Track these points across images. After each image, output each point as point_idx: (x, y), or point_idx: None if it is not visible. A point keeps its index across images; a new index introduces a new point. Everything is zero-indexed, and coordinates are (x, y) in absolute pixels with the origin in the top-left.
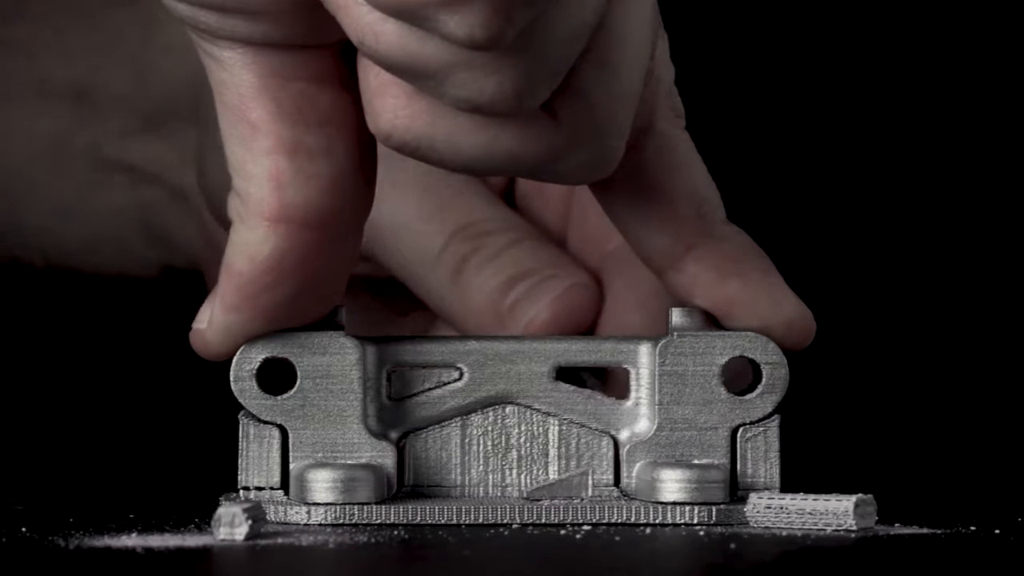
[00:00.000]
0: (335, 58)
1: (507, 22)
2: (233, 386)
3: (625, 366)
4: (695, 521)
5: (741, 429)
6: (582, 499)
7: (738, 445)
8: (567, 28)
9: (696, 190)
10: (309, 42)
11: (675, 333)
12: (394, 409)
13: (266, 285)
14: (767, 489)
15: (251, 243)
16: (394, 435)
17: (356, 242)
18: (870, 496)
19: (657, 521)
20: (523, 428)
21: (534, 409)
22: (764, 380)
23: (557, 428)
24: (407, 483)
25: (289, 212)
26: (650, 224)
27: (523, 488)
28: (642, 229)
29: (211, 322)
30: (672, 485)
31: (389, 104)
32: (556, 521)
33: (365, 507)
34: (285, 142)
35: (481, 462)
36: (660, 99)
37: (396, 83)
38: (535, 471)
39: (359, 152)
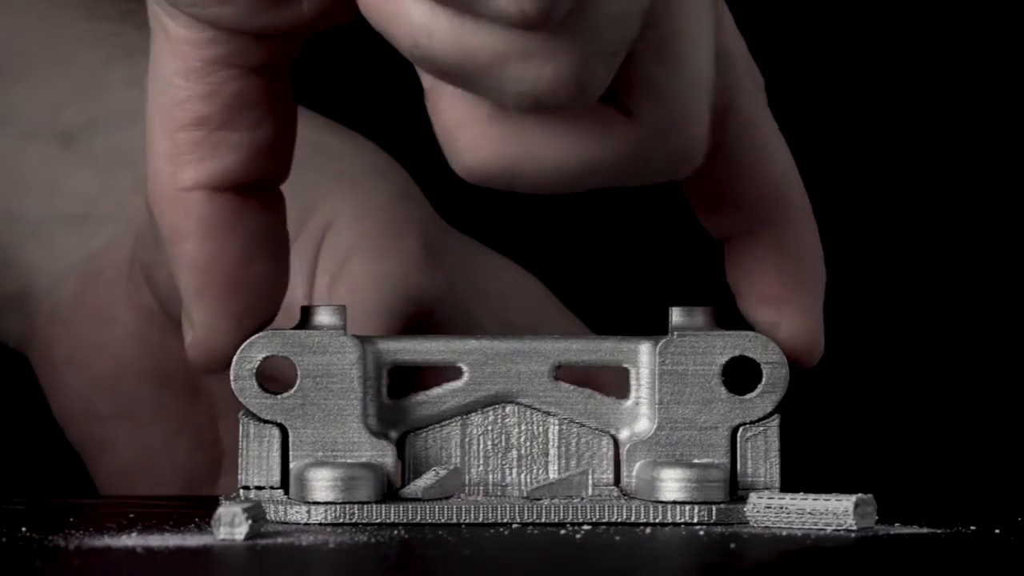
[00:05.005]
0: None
1: None
2: (233, 385)
3: (625, 365)
4: (695, 521)
5: (741, 429)
6: (582, 498)
7: (738, 445)
8: (618, 5)
9: (776, 171)
10: (268, 31)
11: (675, 333)
12: (394, 408)
13: (212, 252)
14: (767, 489)
15: (176, 221)
16: (394, 434)
17: (278, 200)
18: (870, 496)
19: (657, 520)
20: (523, 427)
21: (534, 408)
22: (764, 380)
23: (557, 427)
24: (408, 483)
25: (199, 179)
26: (726, 200)
27: (523, 488)
28: (718, 203)
29: (194, 328)
30: (672, 484)
31: (468, 136)
32: (556, 521)
33: (365, 506)
34: (202, 117)
35: (481, 462)
36: (738, 74)
37: (468, 115)
38: (535, 470)
39: (277, 130)
